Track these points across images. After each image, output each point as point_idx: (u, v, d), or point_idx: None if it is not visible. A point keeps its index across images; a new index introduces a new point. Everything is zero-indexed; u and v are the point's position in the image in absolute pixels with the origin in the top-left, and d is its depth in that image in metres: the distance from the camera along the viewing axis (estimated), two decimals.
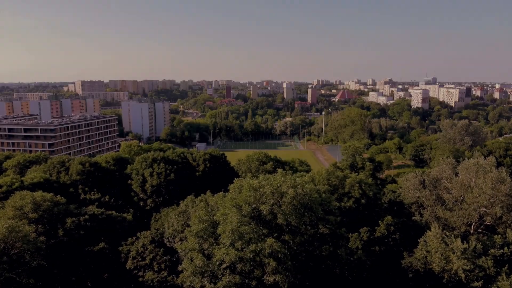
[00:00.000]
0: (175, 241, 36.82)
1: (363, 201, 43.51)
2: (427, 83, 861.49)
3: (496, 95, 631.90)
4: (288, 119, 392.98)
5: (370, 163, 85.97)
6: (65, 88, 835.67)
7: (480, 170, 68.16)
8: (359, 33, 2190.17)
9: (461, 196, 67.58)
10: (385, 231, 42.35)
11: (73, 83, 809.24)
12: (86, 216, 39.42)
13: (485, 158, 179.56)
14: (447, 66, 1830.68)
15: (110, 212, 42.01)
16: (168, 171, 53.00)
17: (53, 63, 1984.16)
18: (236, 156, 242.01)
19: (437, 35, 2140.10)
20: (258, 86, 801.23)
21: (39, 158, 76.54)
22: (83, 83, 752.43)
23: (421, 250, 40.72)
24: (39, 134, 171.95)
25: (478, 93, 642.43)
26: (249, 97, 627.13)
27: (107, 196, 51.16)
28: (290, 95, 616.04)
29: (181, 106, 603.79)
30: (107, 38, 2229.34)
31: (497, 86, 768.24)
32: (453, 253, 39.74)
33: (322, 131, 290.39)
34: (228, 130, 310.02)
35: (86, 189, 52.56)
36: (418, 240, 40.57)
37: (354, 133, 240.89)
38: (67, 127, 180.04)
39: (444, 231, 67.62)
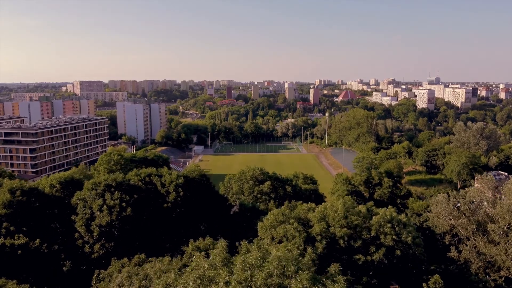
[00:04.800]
0: None
1: (398, 251, 30.45)
2: (430, 83, 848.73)
3: (502, 95, 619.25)
4: (290, 120, 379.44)
5: (388, 179, 72.52)
6: (63, 89, 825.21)
7: None
8: (360, 33, 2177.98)
9: (507, 225, 54.16)
10: None
11: (72, 83, 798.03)
12: None
13: (502, 163, 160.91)
14: (449, 66, 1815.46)
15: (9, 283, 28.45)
16: (123, 204, 39.78)
17: (54, 63, 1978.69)
18: (235, 160, 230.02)
19: (439, 34, 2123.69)
20: (259, 86, 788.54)
21: None
22: (82, 83, 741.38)
23: None
24: (21, 139, 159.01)
25: (483, 93, 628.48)
26: (250, 98, 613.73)
27: (38, 240, 37.56)
28: (292, 96, 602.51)
29: (180, 107, 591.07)
30: (109, 38, 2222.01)
31: (502, 86, 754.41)
32: None
33: (325, 133, 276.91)
34: (227, 132, 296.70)
35: (12, 228, 38.71)
36: None
37: (360, 135, 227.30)
38: (51, 130, 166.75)
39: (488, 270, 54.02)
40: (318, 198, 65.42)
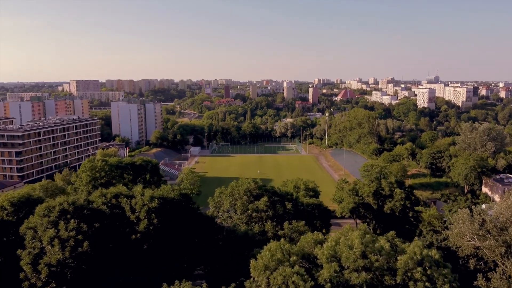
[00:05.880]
0: None
1: None
2: (429, 82, 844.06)
3: (502, 94, 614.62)
4: (288, 120, 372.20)
5: (400, 191, 64.64)
6: (60, 88, 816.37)
7: None
8: (360, 33, 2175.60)
9: None
10: None
11: (68, 83, 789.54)
12: None
13: (510, 166, 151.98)
14: (448, 65, 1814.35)
15: None
16: (80, 236, 30.69)
17: (54, 63, 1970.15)
18: (232, 161, 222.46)
19: (438, 34, 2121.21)
20: (258, 85, 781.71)
21: None
22: (78, 82, 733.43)
23: None
24: (6, 141, 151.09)
25: (483, 92, 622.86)
26: (248, 97, 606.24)
27: None
28: (291, 95, 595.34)
29: (178, 107, 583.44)
30: (109, 38, 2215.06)
31: (501, 85, 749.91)
32: None
33: (325, 134, 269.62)
34: (224, 133, 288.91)
35: None
36: None
37: (361, 136, 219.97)
38: (39, 132, 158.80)
39: None
40: (322, 214, 58.08)
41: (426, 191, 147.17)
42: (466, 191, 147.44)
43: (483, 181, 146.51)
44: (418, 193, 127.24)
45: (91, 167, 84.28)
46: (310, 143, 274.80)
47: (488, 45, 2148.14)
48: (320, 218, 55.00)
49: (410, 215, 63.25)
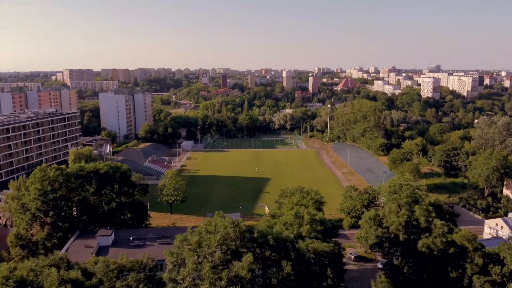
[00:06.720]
0: None
1: None
2: (431, 70, 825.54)
3: (507, 83, 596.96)
4: (288, 111, 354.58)
5: (441, 223, 46.84)
6: (53, 78, 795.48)
7: None
8: (359, 20, 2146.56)
9: None
10: None
11: (61, 72, 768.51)
12: None
13: None
14: (448, 54, 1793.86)
15: None
16: None
17: (52, 53, 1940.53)
18: (227, 158, 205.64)
19: (437, 21, 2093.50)
20: (256, 74, 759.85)
21: None
22: (71, 71, 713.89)
23: None
24: None
25: (487, 81, 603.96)
26: (246, 87, 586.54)
27: None
28: (290, 84, 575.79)
29: (173, 97, 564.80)
30: (107, 27, 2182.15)
31: (503, 73, 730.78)
32: None
33: (326, 126, 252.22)
34: (219, 125, 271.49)
35: None
36: None
37: (367, 130, 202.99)
38: (7, 128, 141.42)
39: None
40: (336, 268, 39.44)
41: (442, 194, 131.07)
42: (486, 194, 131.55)
43: (505, 182, 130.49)
44: (433, 196, 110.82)
45: (42, 177, 67.68)
46: (310, 136, 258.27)
47: (490, 34, 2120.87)
48: (335, 274, 38.00)
49: (451, 251, 46.42)
